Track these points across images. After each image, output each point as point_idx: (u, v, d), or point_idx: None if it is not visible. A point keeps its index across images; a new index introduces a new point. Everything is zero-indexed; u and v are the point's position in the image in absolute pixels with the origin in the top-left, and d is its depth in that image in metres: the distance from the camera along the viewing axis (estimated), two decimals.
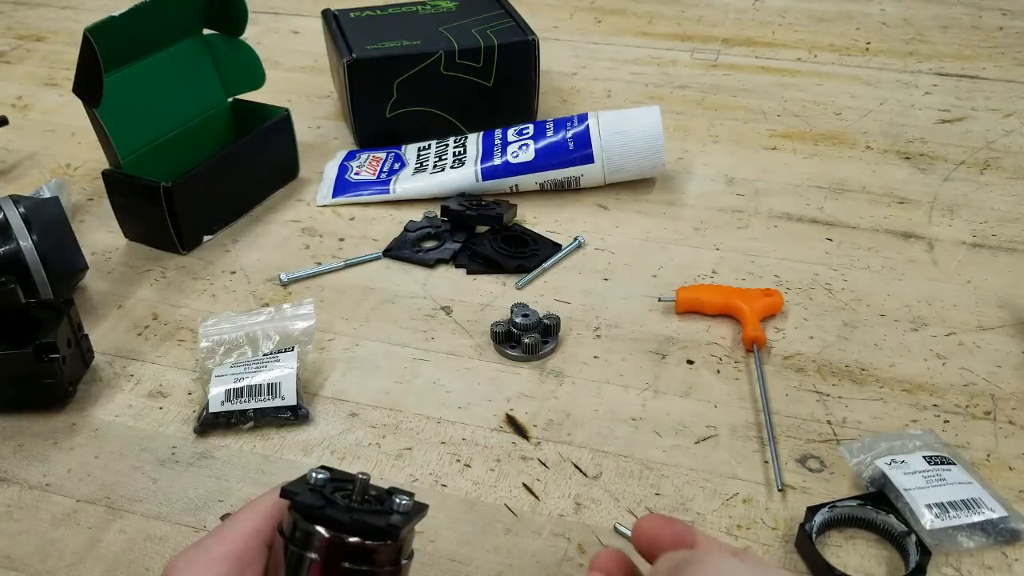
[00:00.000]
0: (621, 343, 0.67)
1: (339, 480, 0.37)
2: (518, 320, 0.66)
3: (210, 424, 0.60)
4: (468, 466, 0.57)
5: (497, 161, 0.83)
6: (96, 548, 0.52)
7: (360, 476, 0.37)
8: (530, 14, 1.04)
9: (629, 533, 0.51)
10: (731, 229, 0.79)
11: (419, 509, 0.37)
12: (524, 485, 0.56)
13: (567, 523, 0.53)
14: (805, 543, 0.50)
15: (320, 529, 0.35)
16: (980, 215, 0.80)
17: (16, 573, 0.51)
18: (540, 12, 1.25)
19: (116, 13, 0.72)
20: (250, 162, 0.82)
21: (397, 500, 0.36)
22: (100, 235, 0.81)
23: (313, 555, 0.35)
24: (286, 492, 0.36)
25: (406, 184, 0.84)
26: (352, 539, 0.35)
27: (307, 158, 0.90)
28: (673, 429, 0.59)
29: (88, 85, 0.72)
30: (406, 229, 0.79)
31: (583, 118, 0.83)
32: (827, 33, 1.17)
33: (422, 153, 0.88)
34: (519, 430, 0.60)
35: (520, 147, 0.83)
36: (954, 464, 0.54)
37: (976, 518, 0.50)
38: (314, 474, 0.37)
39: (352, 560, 0.35)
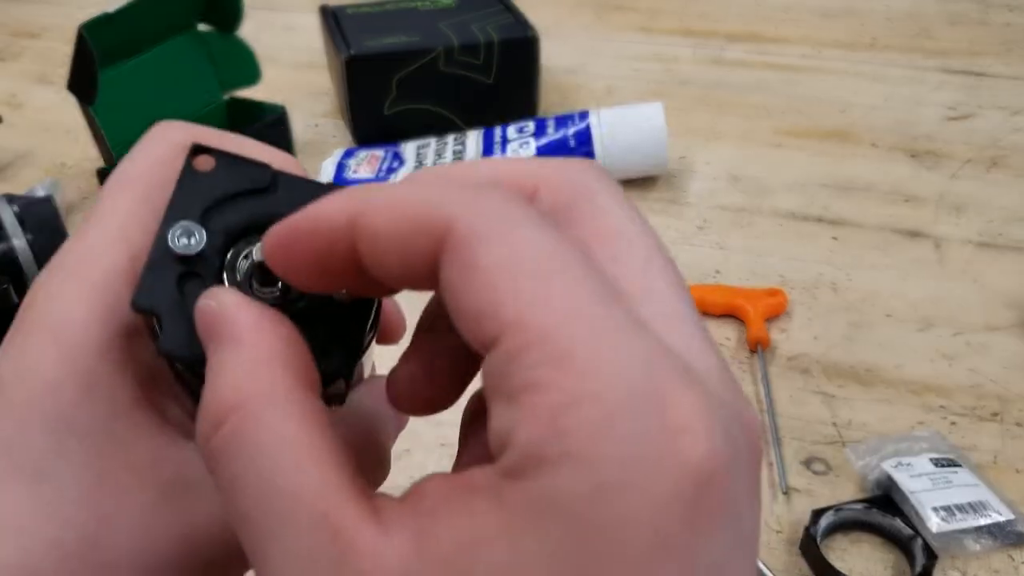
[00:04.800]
0: None
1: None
2: None
3: None
4: None
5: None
6: None
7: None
8: (531, 10, 1.03)
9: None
10: (735, 228, 0.78)
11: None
12: None
13: None
14: (810, 546, 0.50)
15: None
16: (987, 213, 0.79)
17: None
18: (541, 8, 1.24)
19: (111, 10, 0.71)
20: None
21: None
22: None
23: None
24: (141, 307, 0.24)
25: None
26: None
27: (304, 156, 0.90)
28: None
29: (83, 82, 0.72)
30: None
31: (584, 115, 0.82)
32: (832, 29, 1.16)
33: (421, 151, 0.87)
34: None
35: (521, 145, 0.82)
36: (961, 466, 0.53)
37: (983, 521, 0.50)
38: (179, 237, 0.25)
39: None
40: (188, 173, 0.26)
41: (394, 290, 0.24)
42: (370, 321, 0.26)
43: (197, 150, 0.26)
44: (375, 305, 0.26)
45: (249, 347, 0.22)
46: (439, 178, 0.25)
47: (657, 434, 0.18)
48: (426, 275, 0.21)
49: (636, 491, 0.17)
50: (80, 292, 0.26)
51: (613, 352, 0.18)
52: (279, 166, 0.27)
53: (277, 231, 0.23)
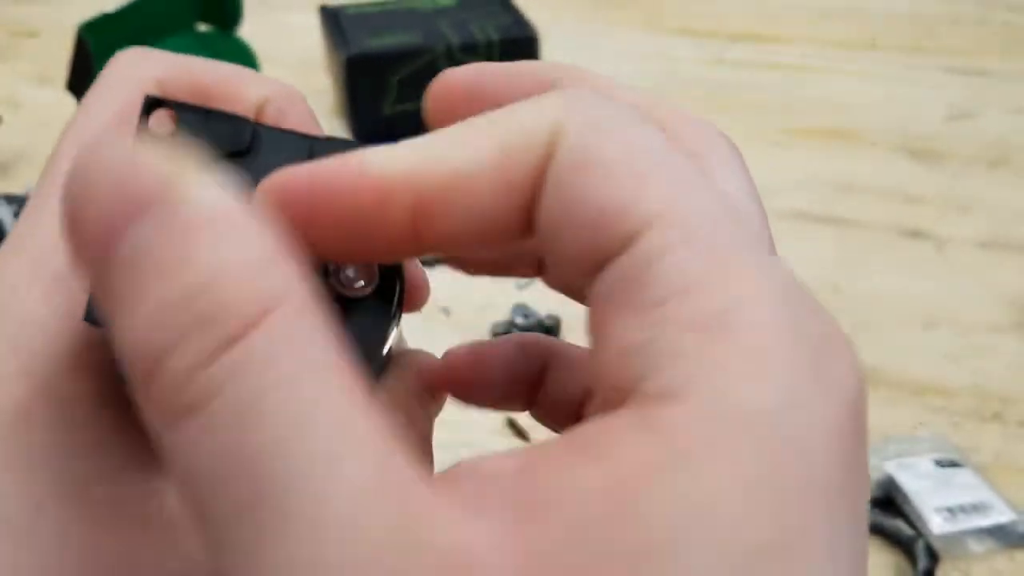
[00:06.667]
0: None
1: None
2: (518, 321, 0.65)
3: None
4: None
5: None
6: None
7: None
8: (530, 7, 1.03)
9: None
10: None
11: None
12: None
13: None
14: None
15: None
16: (990, 213, 0.79)
17: None
18: (541, 6, 1.24)
19: (110, 9, 0.71)
20: None
21: None
22: None
23: None
24: None
25: None
26: None
27: None
28: None
29: (81, 82, 0.71)
30: None
31: None
32: (833, 28, 1.16)
33: None
34: (520, 434, 0.59)
35: None
36: (964, 467, 0.53)
37: (986, 522, 0.50)
38: None
39: None
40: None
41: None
42: (394, 305, 0.21)
43: (152, 104, 0.21)
44: (399, 286, 0.21)
45: (249, 231, 0.15)
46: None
47: (828, 341, 0.17)
48: (516, 225, 0.17)
49: (821, 403, 0.15)
50: (41, 286, 0.20)
51: (760, 260, 0.16)
52: (278, 98, 0.22)
53: (290, 182, 0.17)
